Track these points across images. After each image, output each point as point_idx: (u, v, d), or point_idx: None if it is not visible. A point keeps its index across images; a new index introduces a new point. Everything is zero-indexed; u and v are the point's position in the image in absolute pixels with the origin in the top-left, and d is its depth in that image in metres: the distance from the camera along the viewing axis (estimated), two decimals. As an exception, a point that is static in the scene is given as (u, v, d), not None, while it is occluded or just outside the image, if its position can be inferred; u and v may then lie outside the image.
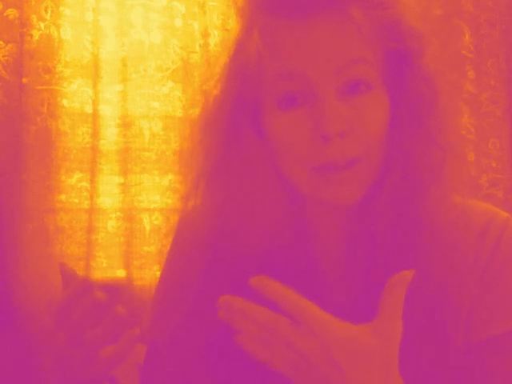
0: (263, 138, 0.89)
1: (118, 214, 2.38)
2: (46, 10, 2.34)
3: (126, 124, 2.38)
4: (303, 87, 0.85)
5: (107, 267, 2.38)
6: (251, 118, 0.89)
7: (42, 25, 2.33)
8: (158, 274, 1.07)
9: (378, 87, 0.87)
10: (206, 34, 2.39)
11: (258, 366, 0.83)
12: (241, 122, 0.89)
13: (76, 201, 2.36)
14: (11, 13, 2.34)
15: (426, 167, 0.88)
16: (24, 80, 2.32)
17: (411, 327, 0.81)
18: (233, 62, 0.90)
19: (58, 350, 0.89)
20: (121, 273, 2.39)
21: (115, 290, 2.37)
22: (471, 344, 0.89)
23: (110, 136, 2.39)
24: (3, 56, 2.33)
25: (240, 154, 0.89)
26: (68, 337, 0.87)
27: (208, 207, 0.93)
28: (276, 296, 0.76)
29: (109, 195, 2.39)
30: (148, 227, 2.38)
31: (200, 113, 0.95)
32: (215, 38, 2.37)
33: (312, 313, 0.75)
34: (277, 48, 0.86)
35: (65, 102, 2.35)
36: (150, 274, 2.35)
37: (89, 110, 2.36)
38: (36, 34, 2.32)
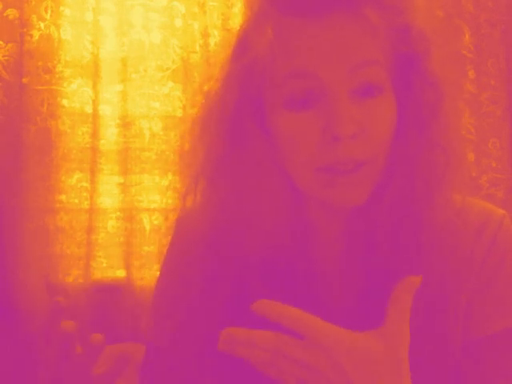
0: (267, 136, 0.89)
1: (118, 213, 2.38)
2: (46, 10, 2.34)
3: (126, 124, 2.38)
4: (315, 87, 0.85)
5: (107, 267, 2.38)
6: (255, 115, 0.89)
7: (42, 25, 2.33)
8: (158, 273, 1.07)
9: (388, 90, 0.87)
10: (205, 34, 2.39)
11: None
12: (244, 120, 0.89)
13: (76, 201, 2.36)
14: (11, 13, 2.34)
15: (430, 171, 0.88)
16: (24, 80, 2.32)
17: (414, 320, 0.81)
18: (239, 57, 0.89)
19: (48, 365, 0.89)
20: (121, 273, 2.39)
21: (115, 290, 2.37)
22: (469, 342, 0.89)
23: (110, 136, 2.39)
24: (3, 56, 2.33)
25: (243, 151, 0.89)
26: (56, 353, 0.87)
27: (209, 205, 0.93)
28: (280, 317, 0.75)
29: (109, 195, 2.39)
30: (148, 227, 2.38)
31: (200, 108, 0.94)
32: (215, 38, 2.37)
33: (316, 325, 0.75)
34: (290, 46, 0.85)
35: (65, 102, 2.35)
36: (149, 274, 2.35)
37: (89, 110, 2.36)
38: (36, 34, 2.32)
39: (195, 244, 0.95)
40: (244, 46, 0.89)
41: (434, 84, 0.88)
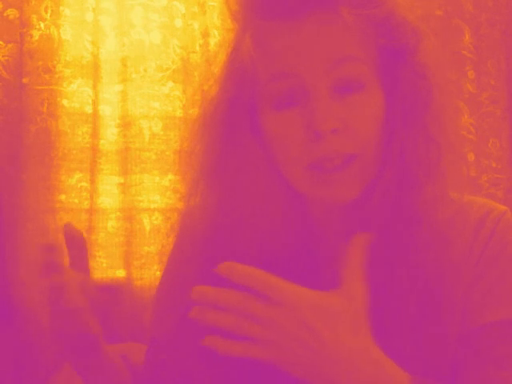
0: (260, 137, 0.90)
1: (118, 214, 2.38)
2: (45, 10, 2.34)
3: (126, 124, 2.38)
4: (296, 86, 0.86)
5: (107, 267, 2.38)
6: (248, 117, 0.90)
7: (42, 25, 2.33)
8: (158, 273, 1.07)
9: (371, 85, 0.88)
10: (206, 34, 2.39)
11: (257, 364, 0.83)
12: (238, 122, 0.90)
13: (76, 201, 2.36)
14: (11, 13, 2.34)
15: (423, 163, 0.89)
16: (24, 80, 2.32)
17: (411, 314, 0.84)
18: (229, 64, 0.92)
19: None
20: (121, 273, 2.39)
21: (115, 290, 2.36)
22: (466, 331, 0.90)
23: (110, 136, 2.39)
24: (3, 56, 2.33)
25: (238, 152, 0.90)
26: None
27: (207, 206, 0.94)
28: (244, 278, 0.78)
29: (109, 195, 2.39)
30: (148, 227, 2.38)
31: (198, 112, 0.96)
32: (215, 38, 2.37)
33: (280, 285, 0.78)
34: (269, 50, 0.87)
35: (65, 102, 2.35)
36: (149, 274, 2.35)
37: (89, 110, 2.36)
38: (36, 34, 2.32)
39: (197, 241, 0.96)
40: (232, 53, 0.91)
41: (422, 75, 0.89)
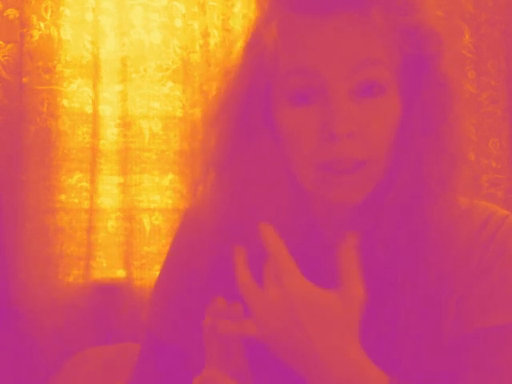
0: (274, 131, 0.89)
1: (118, 214, 2.38)
2: (45, 10, 2.34)
3: (126, 124, 2.38)
4: (316, 84, 0.85)
5: (107, 267, 2.38)
6: (263, 110, 0.89)
7: (42, 25, 2.33)
8: (158, 273, 1.07)
9: (391, 91, 0.87)
10: (206, 34, 2.39)
11: (258, 360, 0.83)
12: (252, 114, 0.89)
13: (76, 201, 2.36)
14: (11, 13, 2.34)
15: (435, 173, 0.88)
16: (24, 80, 2.32)
17: (410, 320, 0.84)
18: (248, 52, 0.90)
19: None
20: (121, 273, 2.39)
21: (115, 290, 2.37)
22: (464, 336, 0.89)
23: (110, 136, 2.39)
24: (3, 56, 2.33)
25: (250, 145, 0.89)
26: None
27: (217, 197, 0.93)
28: (271, 247, 0.82)
29: (109, 195, 2.39)
30: (148, 227, 2.38)
31: (212, 100, 0.95)
32: (215, 38, 2.36)
33: (288, 269, 0.81)
34: (294, 43, 0.86)
35: (65, 102, 2.35)
36: (149, 274, 2.34)
37: (89, 110, 2.36)
38: (36, 34, 2.32)
39: (200, 238, 0.95)
40: (253, 41, 0.90)
41: (444, 84, 0.89)
